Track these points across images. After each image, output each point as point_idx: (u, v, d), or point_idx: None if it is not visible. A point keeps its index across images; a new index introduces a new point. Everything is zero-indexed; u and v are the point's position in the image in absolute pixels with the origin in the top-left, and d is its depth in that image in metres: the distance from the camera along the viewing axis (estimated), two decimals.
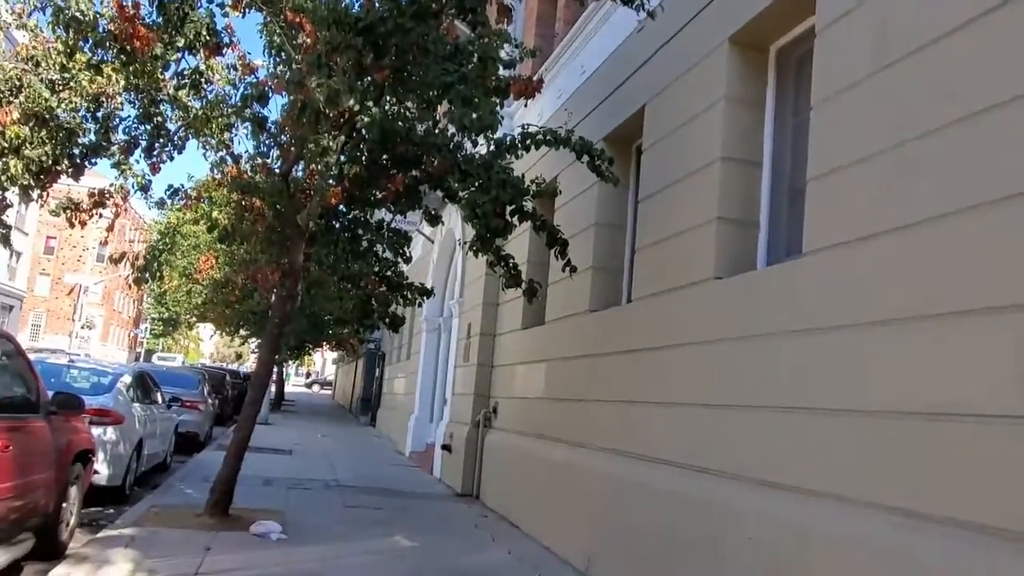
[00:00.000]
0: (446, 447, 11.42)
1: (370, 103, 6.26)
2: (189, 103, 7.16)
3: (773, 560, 4.11)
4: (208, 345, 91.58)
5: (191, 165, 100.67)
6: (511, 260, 7.68)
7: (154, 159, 7.35)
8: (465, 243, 7.73)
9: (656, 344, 5.82)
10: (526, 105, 8.62)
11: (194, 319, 31.69)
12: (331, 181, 6.82)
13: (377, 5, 5.98)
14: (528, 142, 6.87)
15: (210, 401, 16.59)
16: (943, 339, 3.32)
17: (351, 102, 5.87)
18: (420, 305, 12.70)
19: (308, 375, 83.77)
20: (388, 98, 6.99)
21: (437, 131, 7.20)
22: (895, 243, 3.64)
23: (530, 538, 7.64)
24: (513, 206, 7.04)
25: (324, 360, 77.44)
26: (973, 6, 3.36)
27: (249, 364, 48.84)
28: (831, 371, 3.97)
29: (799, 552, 3.94)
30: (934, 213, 3.44)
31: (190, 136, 7.40)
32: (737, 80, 5.35)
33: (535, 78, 6.86)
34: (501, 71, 6.59)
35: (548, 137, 6.82)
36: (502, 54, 6.58)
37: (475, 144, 6.86)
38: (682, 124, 5.85)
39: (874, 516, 3.49)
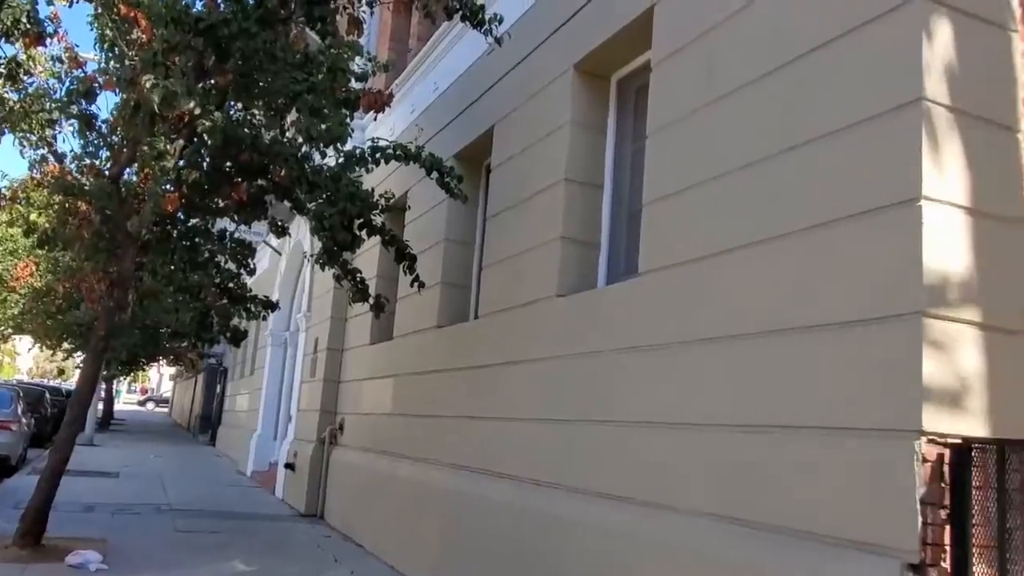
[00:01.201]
0: (289, 465, 11.06)
1: (212, 107, 6.00)
2: (5, 95, 6.60)
3: (607, 570, 4.26)
4: (26, 360, 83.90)
5: (7, 163, 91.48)
6: (359, 274, 7.57)
7: None
8: (312, 256, 7.55)
9: (501, 360, 5.91)
10: (376, 119, 8.55)
11: (9, 331, 28.90)
12: (167, 186, 6.47)
13: (221, 6, 5.75)
14: (378, 156, 6.83)
15: (24, 421, 15.22)
16: (765, 356, 3.57)
17: (191, 105, 5.61)
18: (265, 319, 12.24)
19: (144, 391, 78.42)
20: (232, 103, 6.73)
21: (284, 140, 7.00)
22: (719, 266, 3.90)
23: (375, 557, 7.51)
24: (361, 220, 6.97)
25: (161, 376, 72.81)
26: (787, 51, 3.67)
27: (73, 380, 45.09)
28: (665, 387, 4.16)
29: (632, 561, 4.10)
30: (751, 239, 3.71)
31: (5, 131, 6.80)
32: (581, 106, 5.56)
33: (386, 92, 6.83)
34: (352, 83, 6.51)
35: (398, 152, 6.81)
36: (353, 66, 6.51)
37: (323, 155, 6.72)
38: (529, 145, 6.00)
39: (706, 525, 3.68)
